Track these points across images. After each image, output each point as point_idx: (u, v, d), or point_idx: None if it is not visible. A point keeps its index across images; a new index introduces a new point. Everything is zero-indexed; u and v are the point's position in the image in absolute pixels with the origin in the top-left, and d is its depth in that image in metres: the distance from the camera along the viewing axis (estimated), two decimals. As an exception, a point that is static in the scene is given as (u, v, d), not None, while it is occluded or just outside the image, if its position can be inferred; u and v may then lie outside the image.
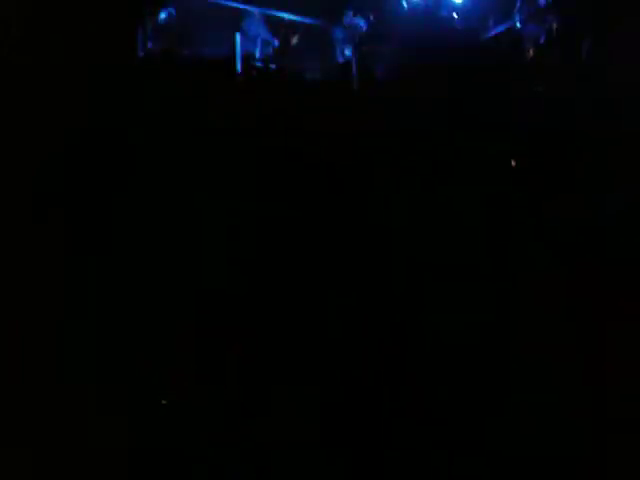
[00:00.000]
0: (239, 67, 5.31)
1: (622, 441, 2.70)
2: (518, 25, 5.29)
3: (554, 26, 5.16)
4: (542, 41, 5.20)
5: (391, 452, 2.67)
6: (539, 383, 2.85)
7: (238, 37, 5.39)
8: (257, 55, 5.58)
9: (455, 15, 5.62)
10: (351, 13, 5.80)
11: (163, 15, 5.64)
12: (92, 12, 3.99)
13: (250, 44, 5.57)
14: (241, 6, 5.81)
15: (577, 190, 3.37)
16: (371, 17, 5.82)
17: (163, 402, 2.77)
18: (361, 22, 5.73)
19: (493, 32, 5.34)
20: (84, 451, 2.47)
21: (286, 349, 2.85)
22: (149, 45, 5.35)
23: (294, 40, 5.72)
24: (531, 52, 5.16)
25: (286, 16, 5.87)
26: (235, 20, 5.78)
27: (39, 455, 2.41)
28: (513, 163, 4.36)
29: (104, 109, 3.67)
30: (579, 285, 3.05)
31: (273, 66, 5.47)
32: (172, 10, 5.64)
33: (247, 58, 5.35)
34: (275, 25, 5.74)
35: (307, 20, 5.92)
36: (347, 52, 5.72)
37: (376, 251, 3.16)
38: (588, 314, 3.02)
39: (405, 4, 5.76)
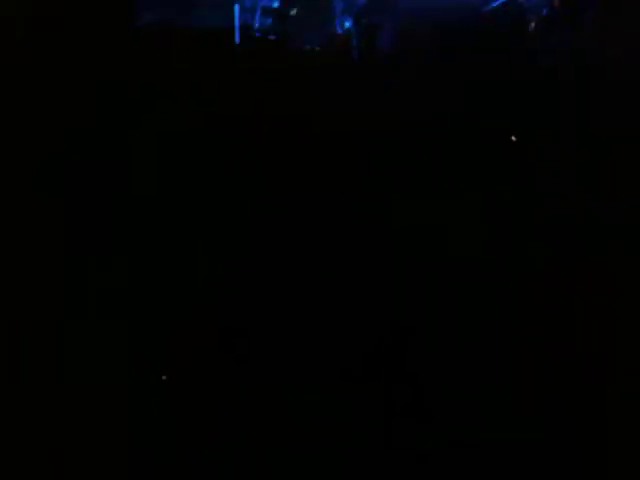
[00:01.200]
0: (237, 38, 5.26)
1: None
2: (521, -3, 5.22)
3: (557, -2, 5.09)
4: (545, 13, 5.14)
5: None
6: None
7: (237, 7, 5.34)
8: (256, 26, 5.52)
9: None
10: (351, -17, 5.70)
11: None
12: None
13: (249, 15, 5.51)
14: (240, -24, 5.70)
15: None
16: (371, -12, 5.71)
17: (163, 378, 2.80)
18: (361, -7, 5.64)
19: (494, 3, 5.26)
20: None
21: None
22: (146, 16, 5.30)
23: (293, 11, 5.66)
24: (533, 25, 5.11)
25: (285, -14, 5.78)
26: (234, -10, 5.68)
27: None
28: (514, 138, 4.33)
29: (102, 86, 3.63)
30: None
31: (272, 37, 5.43)
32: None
33: (246, 29, 5.31)
34: (274, -5, 5.65)
35: (307, -10, 5.82)
36: (347, 24, 5.65)
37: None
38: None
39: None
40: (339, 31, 5.80)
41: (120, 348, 2.69)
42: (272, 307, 2.96)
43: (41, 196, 2.86)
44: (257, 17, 5.58)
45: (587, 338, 2.91)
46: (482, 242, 3.18)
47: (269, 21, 5.68)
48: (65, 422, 2.53)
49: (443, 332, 2.94)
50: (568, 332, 2.93)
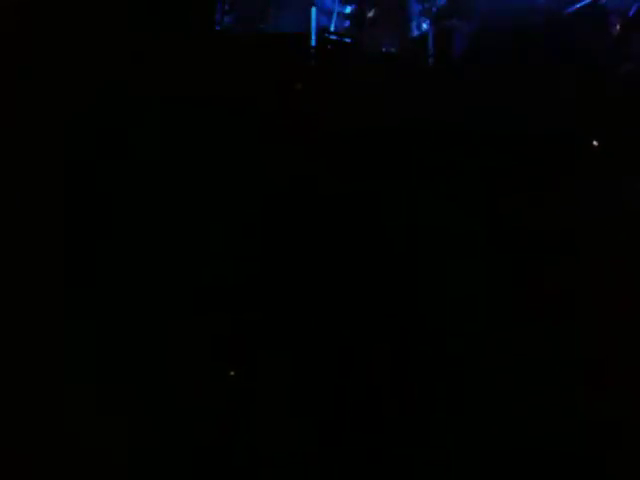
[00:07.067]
0: (314, 41, 5.28)
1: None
2: (604, -3, 5.04)
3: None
4: (631, 14, 4.93)
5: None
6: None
7: (314, 11, 5.35)
8: (332, 29, 5.52)
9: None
10: (429, -14, 5.64)
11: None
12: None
13: (325, 18, 5.52)
14: (317, -21, 5.73)
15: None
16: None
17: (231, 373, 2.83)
18: (439, -5, 5.58)
19: (576, 5, 5.09)
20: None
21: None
22: (226, 20, 5.38)
23: (370, 13, 5.63)
24: (618, 28, 4.91)
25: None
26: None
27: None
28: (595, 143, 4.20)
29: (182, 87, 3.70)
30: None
31: (348, 40, 5.42)
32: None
33: (322, 32, 5.32)
34: (351, -2, 5.65)
35: (384, -8, 5.80)
36: (424, 25, 5.59)
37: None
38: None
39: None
40: (415, 33, 5.72)
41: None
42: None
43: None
44: (334, 20, 5.57)
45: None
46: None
47: (346, 24, 5.66)
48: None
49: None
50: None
